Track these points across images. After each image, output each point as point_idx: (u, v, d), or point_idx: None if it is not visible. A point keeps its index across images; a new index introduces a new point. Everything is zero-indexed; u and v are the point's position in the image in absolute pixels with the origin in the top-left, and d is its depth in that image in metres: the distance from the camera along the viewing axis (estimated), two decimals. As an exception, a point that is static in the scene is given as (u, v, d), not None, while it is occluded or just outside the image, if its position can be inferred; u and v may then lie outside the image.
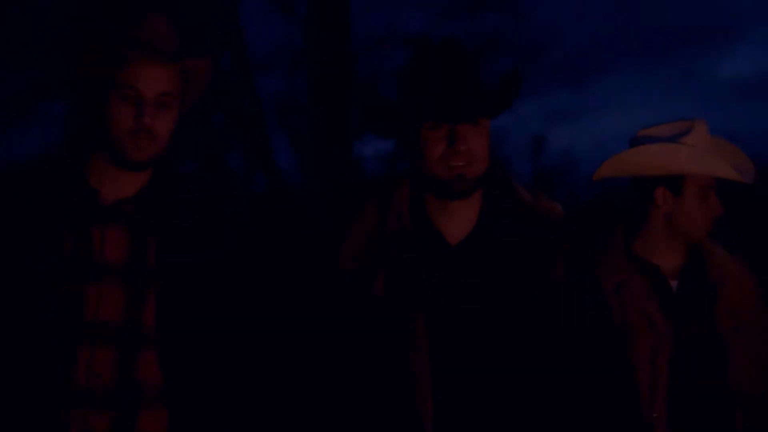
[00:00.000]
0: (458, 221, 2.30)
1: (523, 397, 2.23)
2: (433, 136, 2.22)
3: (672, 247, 2.71)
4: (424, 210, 2.31)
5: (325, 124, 8.94)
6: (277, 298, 2.37)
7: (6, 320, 2.15)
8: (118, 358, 2.17)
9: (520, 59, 10.29)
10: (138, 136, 2.17)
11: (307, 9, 9.16)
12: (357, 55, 9.60)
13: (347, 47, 9.09)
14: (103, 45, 2.17)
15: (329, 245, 2.31)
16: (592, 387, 2.28)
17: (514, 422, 2.22)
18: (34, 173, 2.22)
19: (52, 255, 2.14)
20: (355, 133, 9.19)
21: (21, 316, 2.14)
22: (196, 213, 2.30)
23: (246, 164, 9.25)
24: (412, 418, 2.18)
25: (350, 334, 2.26)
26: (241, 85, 9.17)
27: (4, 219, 2.17)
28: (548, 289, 2.27)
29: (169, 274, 2.22)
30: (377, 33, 10.07)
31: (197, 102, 2.32)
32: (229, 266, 2.30)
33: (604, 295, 2.52)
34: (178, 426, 2.22)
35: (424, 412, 2.18)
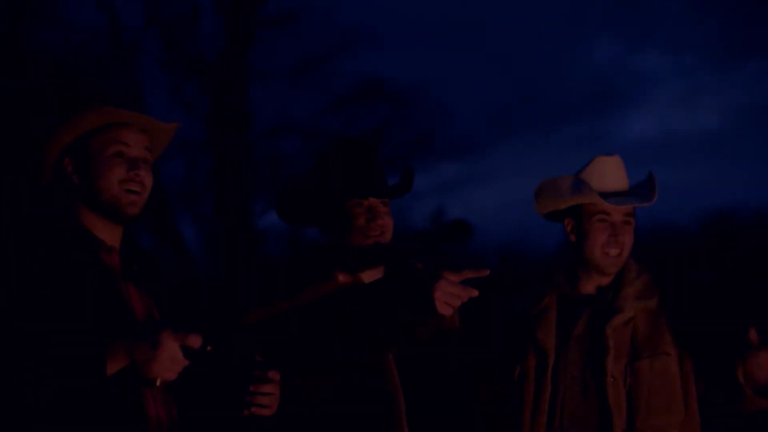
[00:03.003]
0: None
1: None
2: (356, 213, 2.54)
3: (589, 277, 2.70)
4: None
5: (227, 207, 9.75)
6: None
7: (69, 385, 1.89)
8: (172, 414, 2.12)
9: (412, 141, 11.04)
10: (130, 188, 2.14)
11: (209, 106, 10.03)
12: (254, 143, 10.47)
13: (246, 136, 9.99)
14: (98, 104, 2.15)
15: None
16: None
17: None
18: (42, 225, 2.08)
19: (104, 311, 2.00)
20: (257, 214, 10.01)
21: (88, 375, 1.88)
22: (161, 272, 2.28)
23: (154, 245, 9.77)
24: None
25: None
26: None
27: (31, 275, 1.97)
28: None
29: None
30: (272, 122, 10.87)
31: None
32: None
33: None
34: None
35: None
